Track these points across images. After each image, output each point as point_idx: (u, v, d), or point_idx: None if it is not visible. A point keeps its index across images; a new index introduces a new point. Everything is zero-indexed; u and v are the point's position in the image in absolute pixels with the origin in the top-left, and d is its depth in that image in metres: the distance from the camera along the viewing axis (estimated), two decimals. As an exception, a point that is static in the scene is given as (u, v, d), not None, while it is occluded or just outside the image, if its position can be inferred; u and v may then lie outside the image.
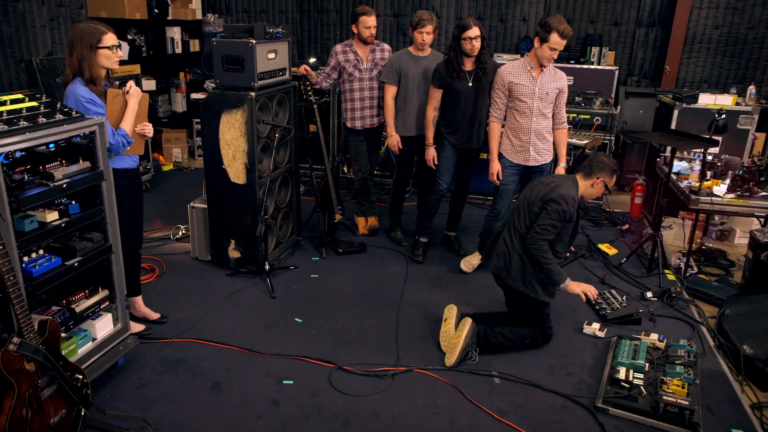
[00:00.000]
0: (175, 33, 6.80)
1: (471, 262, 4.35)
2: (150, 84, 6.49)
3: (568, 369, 3.19)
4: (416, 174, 5.11)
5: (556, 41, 3.67)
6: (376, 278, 4.18)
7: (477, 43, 3.97)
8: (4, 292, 2.18)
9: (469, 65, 4.07)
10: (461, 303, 3.84)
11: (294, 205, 4.61)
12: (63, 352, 2.46)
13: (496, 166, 4.06)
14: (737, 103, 5.46)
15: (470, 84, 4.07)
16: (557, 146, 4.11)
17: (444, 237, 4.76)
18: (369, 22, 4.47)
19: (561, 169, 4.03)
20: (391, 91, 4.44)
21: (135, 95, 2.98)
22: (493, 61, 4.18)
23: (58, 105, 2.61)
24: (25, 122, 2.35)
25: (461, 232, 4.82)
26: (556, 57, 3.78)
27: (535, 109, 3.90)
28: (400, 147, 4.53)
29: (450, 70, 4.05)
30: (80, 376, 2.46)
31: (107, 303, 2.97)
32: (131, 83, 2.99)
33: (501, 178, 4.07)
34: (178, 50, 6.89)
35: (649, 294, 3.98)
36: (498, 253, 3.29)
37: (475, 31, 3.94)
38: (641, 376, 2.96)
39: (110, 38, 2.88)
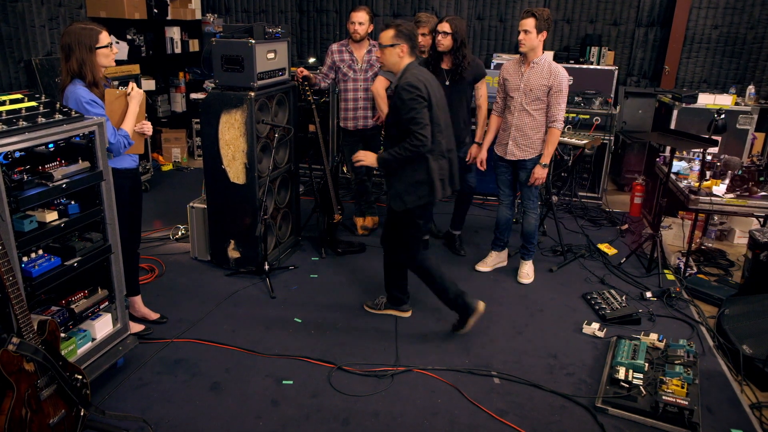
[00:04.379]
0: (174, 33, 6.80)
1: (486, 262, 4.39)
2: (149, 84, 6.49)
3: (567, 369, 3.19)
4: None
5: (520, 23, 3.79)
6: (376, 278, 4.16)
7: (443, 39, 3.96)
8: (3, 293, 2.18)
9: (447, 64, 4.07)
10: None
11: (293, 205, 4.60)
12: (62, 353, 2.46)
13: (476, 151, 4.23)
14: (736, 103, 5.46)
15: (447, 83, 4.06)
16: (544, 144, 3.94)
17: (447, 234, 4.77)
18: (354, 18, 4.47)
19: (539, 168, 3.91)
20: (384, 83, 4.33)
21: (137, 97, 3.00)
22: (477, 62, 4.15)
23: (58, 105, 2.60)
24: (24, 122, 2.35)
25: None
26: (526, 41, 3.75)
27: (518, 105, 3.89)
28: None
29: (428, 67, 4.04)
30: (79, 377, 2.46)
31: (106, 303, 2.97)
32: (133, 85, 3.01)
33: (484, 167, 4.22)
34: (178, 50, 6.88)
35: (648, 294, 3.98)
36: None
37: (442, 26, 3.95)
38: (641, 376, 2.97)
39: (105, 37, 2.91)
